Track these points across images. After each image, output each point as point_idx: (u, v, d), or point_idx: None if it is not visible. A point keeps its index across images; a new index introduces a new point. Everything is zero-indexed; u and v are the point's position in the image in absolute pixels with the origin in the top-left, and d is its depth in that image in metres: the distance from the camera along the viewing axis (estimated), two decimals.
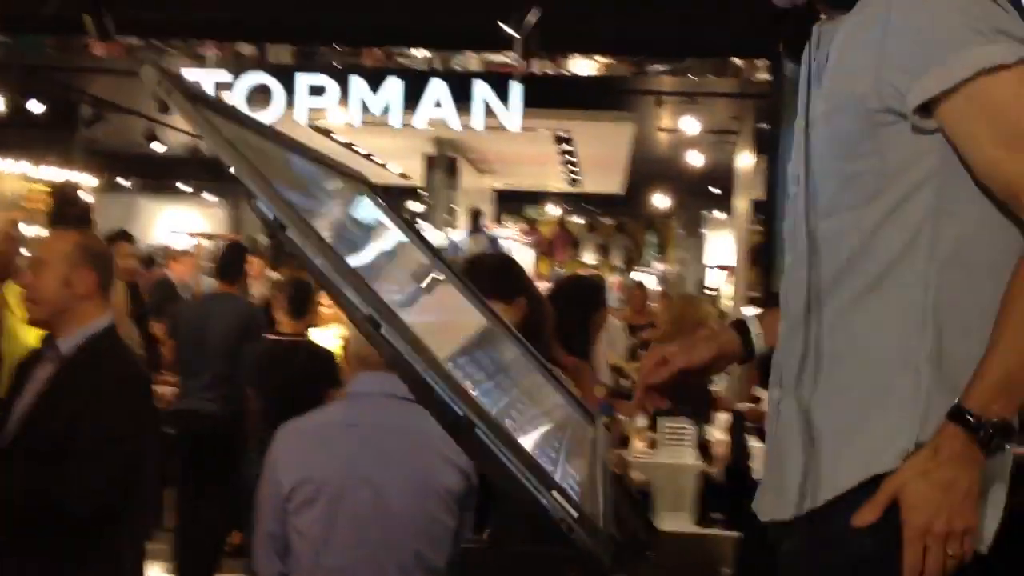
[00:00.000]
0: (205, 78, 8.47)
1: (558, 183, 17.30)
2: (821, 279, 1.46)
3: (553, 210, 20.25)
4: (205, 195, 17.58)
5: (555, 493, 1.07)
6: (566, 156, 12.75)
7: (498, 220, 17.85)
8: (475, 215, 11.52)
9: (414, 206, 11.85)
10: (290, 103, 8.25)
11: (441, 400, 1.08)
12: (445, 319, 1.76)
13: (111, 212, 12.66)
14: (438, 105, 8.25)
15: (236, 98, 8.31)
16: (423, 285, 1.86)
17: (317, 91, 8.25)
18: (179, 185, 17.24)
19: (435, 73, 8.60)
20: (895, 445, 1.37)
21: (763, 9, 1.53)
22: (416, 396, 1.08)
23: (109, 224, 7.59)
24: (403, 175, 16.18)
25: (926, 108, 1.37)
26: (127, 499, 2.77)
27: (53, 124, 10.95)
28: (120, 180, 16.25)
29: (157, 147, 12.41)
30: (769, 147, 7.90)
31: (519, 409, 1.55)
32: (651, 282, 14.77)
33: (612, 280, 14.25)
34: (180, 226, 16.59)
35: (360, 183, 2.08)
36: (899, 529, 1.32)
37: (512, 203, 19.72)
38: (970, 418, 1.30)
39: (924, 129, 1.39)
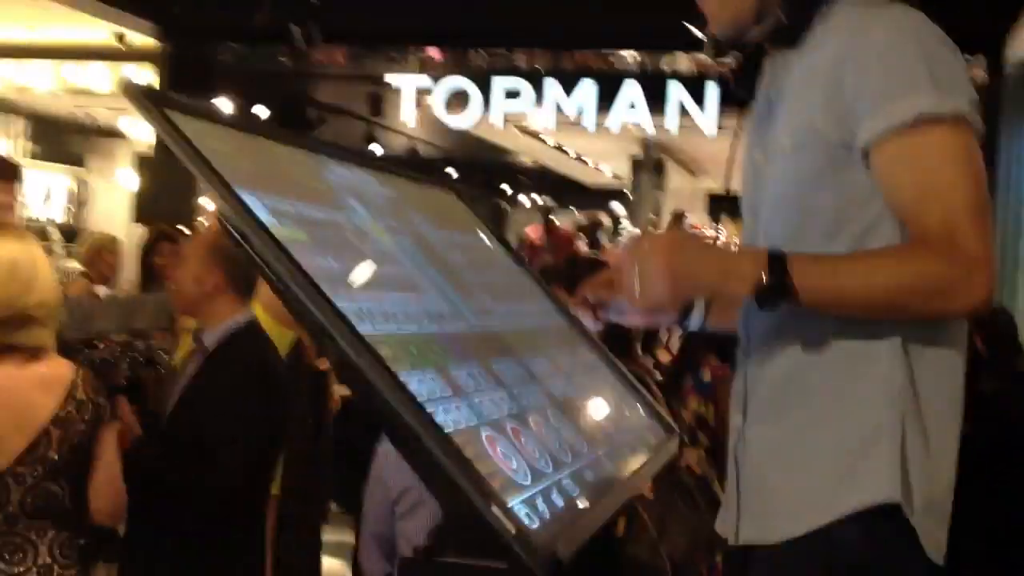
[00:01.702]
0: (406, 83, 8.78)
1: None
2: (791, 311, 1.42)
3: None
4: None
5: (495, 508, 1.07)
6: None
7: (715, 223, 17.56)
8: (677, 217, 11.41)
9: (619, 208, 11.83)
10: (487, 106, 8.43)
11: (389, 410, 1.10)
12: (509, 323, 1.77)
13: None
14: (632, 107, 8.22)
15: (436, 102, 8.58)
16: (493, 289, 1.88)
17: (512, 94, 8.40)
18: None
19: (629, 75, 8.55)
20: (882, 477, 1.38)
21: (978, 5, 1.53)
22: (364, 404, 1.10)
23: None
24: (616, 176, 16.20)
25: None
26: (261, 490, 2.93)
27: (283, 124, 11.62)
28: None
29: (376, 148, 12.93)
30: (984, 150, 7.42)
31: (556, 412, 1.55)
32: None
33: None
34: None
35: (444, 189, 2.12)
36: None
37: (732, 205, 19.34)
38: (777, 265, 1.31)
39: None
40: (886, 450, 1.37)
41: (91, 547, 2.43)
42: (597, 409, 1.80)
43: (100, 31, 8.40)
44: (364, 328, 1.17)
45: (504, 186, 15.16)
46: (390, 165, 1.82)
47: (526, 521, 1.13)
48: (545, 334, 1.88)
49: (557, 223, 12.09)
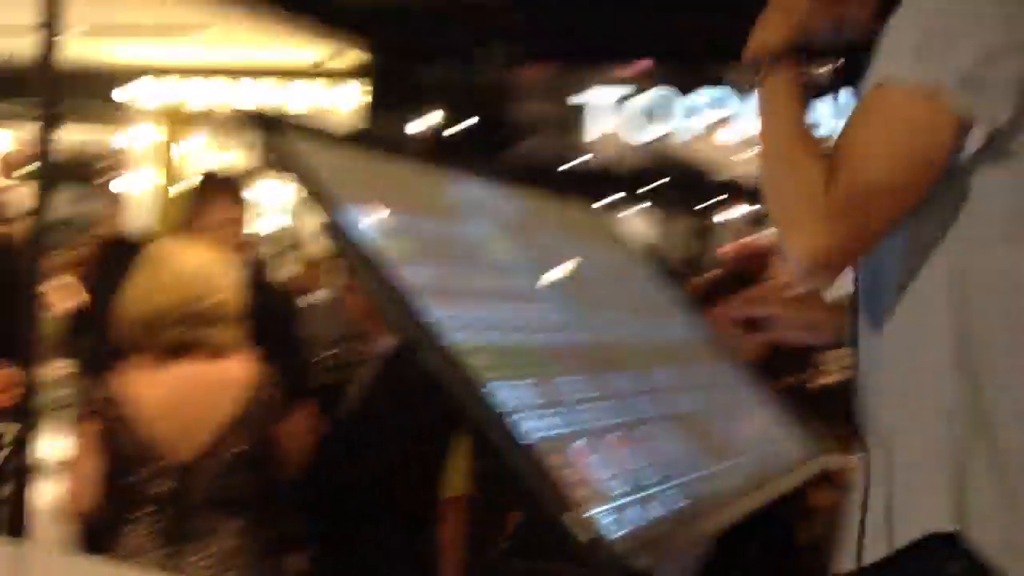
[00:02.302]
0: (604, 99, 8.86)
1: None
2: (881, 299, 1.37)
3: None
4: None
5: (568, 516, 1.09)
6: None
7: None
8: None
9: None
10: (685, 120, 8.40)
11: (476, 420, 1.14)
12: (636, 337, 1.79)
13: None
14: (833, 120, 7.97)
15: (632, 117, 8.62)
16: (627, 305, 1.90)
17: (712, 105, 8.33)
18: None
19: (829, 88, 8.28)
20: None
21: None
22: (454, 411, 1.15)
23: None
24: None
25: None
26: (430, 490, 3.02)
27: (483, 142, 11.91)
28: None
29: (572, 164, 13.03)
30: None
31: (672, 426, 1.56)
32: None
33: None
34: None
35: (582, 209, 2.15)
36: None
37: None
38: (773, 58, 1.37)
39: None
40: (945, 474, 1.25)
41: (275, 537, 2.56)
42: (724, 424, 1.78)
43: (314, 51, 8.86)
44: (460, 336, 1.22)
45: (703, 203, 14.99)
46: (526, 181, 1.87)
47: (610, 529, 1.15)
48: (677, 349, 1.88)
49: (756, 240, 11.81)
